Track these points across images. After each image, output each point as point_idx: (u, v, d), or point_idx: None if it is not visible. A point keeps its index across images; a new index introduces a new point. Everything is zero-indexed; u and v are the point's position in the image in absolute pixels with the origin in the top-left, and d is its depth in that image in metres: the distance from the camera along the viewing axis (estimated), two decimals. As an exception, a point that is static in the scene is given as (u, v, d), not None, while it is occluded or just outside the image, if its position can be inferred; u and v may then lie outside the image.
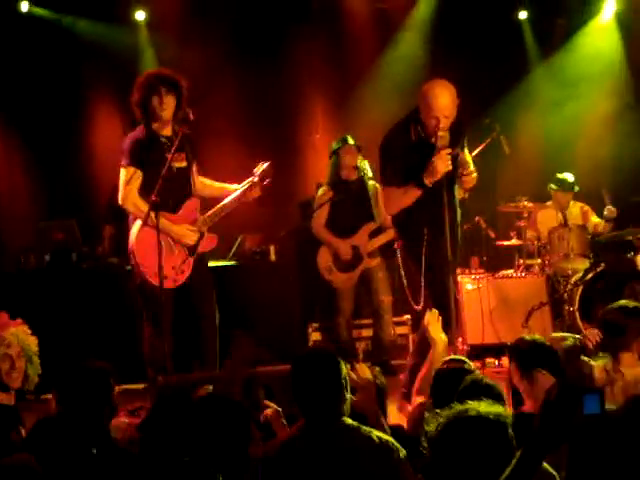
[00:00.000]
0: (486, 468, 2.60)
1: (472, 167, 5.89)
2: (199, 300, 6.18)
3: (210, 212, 6.22)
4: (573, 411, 2.47)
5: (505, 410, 2.75)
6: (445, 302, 5.50)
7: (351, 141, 7.67)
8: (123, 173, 6.01)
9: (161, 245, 5.67)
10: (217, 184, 6.42)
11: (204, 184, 6.35)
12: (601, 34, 10.16)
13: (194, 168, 6.28)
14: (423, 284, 5.62)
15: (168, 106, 6.02)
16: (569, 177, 8.88)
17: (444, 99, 5.55)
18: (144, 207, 5.82)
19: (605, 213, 8.55)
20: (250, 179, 6.23)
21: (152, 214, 5.66)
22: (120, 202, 6.04)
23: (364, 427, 3.45)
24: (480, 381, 3.66)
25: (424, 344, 5.31)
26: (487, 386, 3.61)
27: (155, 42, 9.40)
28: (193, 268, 6.13)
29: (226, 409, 3.44)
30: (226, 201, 6.22)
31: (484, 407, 2.70)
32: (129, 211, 6.02)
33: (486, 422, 2.65)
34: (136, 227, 5.95)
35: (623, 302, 5.15)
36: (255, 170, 6.27)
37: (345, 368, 3.51)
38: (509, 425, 2.67)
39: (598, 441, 2.40)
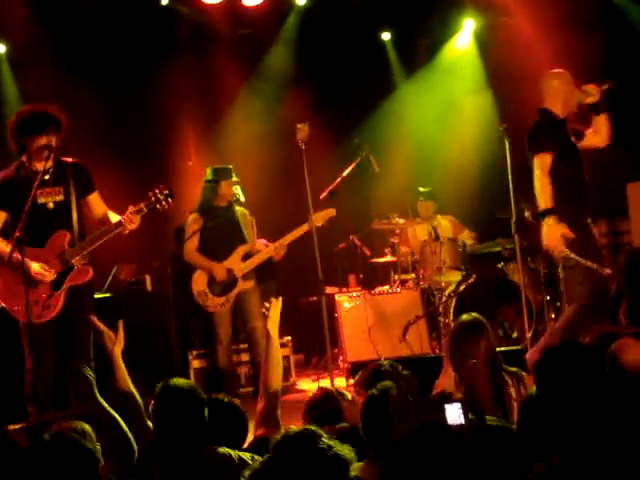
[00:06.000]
0: None
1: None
2: (72, 334, 6.07)
3: (77, 245, 6.09)
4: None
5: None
6: None
7: (235, 177, 7.71)
8: None
9: (19, 281, 5.60)
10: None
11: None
12: (461, 52, 10.48)
13: (91, 196, 6.15)
14: None
15: (51, 144, 5.94)
16: (426, 189, 9.16)
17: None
18: (5, 247, 5.76)
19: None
20: (133, 209, 6.08)
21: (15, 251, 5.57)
22: None
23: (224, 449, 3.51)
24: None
25: None
26: None
27: (17, 75, 9.21)
28: (67, 302, 6.01)
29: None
30: (95, 234, 6.12)
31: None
32: None
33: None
34: None
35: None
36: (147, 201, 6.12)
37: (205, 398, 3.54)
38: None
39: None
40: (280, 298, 4.61)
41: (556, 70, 6.61)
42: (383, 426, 3.44)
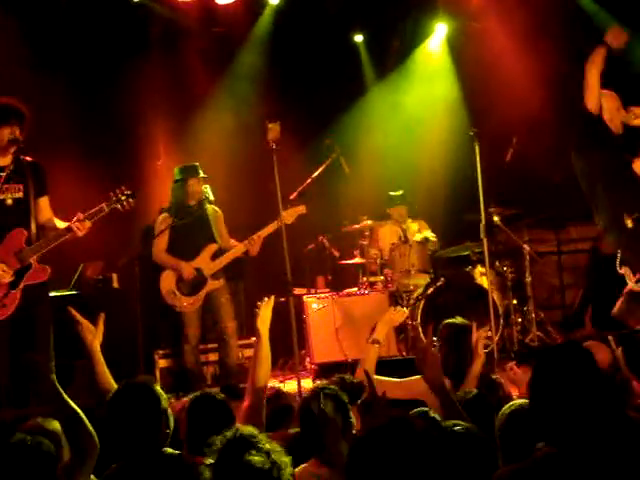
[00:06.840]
0: None
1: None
2: (30, 332, 6.00)
3: (35, 244, 6.02)
4: None
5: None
6: None
7: (202, 174, 7.65)
8: None
9: None
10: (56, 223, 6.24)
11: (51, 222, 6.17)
12: (433, 55, 10.52)
13: (43, 198, 6.10)
14: None
15: (16, 136, 5.88)
16: (398, 192, 9.15)
17: None
18: None
19: None
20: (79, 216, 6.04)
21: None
22: None
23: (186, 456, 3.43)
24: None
25: None
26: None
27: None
28: (23, 301, 5.94)
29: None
30: (48, 237, 6.06)
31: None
32: None
33: None
34: None
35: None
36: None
37: (165, 400, 3.47)
38: None
39: None
40: (272, 297, 4.60)
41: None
42: (316, 427, 3.50)
